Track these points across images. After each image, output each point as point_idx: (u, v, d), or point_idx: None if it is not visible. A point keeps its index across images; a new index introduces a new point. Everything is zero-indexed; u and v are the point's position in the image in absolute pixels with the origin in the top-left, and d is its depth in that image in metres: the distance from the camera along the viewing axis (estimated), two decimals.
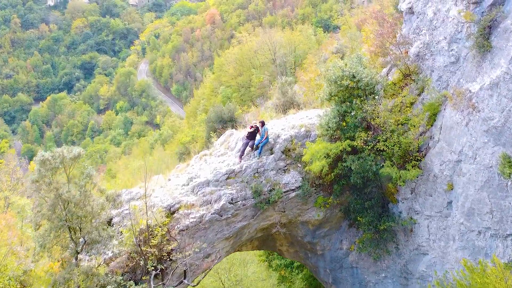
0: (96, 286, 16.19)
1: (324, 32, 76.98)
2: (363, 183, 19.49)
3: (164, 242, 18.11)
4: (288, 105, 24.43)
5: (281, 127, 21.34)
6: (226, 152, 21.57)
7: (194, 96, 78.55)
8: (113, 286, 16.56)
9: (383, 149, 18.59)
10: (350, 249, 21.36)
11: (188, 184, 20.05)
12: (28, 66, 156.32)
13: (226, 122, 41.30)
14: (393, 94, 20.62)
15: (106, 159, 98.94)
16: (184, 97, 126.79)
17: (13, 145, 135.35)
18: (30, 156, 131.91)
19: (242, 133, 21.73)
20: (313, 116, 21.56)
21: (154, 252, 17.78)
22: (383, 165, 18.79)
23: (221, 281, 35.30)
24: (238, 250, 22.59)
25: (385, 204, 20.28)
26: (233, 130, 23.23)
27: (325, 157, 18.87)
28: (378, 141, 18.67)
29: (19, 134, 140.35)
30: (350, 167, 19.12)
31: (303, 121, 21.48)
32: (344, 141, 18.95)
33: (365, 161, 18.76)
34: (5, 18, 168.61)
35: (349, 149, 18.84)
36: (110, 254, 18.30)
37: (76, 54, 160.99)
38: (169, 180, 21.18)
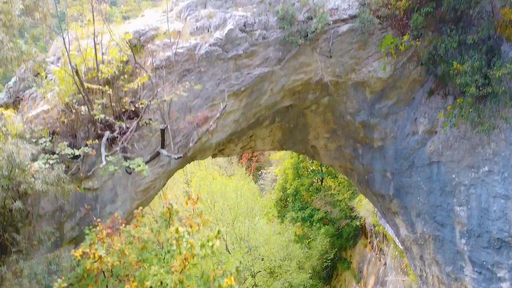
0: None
1: None
2: (467, 5, 11.65)
3: (126, 77, 10.29)
4: None
5: None
6: None
7: None
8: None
9: None
10: (432, 127, 13.41)
11: (171, 10, 12.25)
12: None
13: None
14: None
15: None
16: None
17: None
18: None
19: None
20: None
21: (107, 91, 9.96)
22: None
23: (224, 239, 27.67)
24: (251, 133, 14.60)
25: (496, 45, 12.41)
26: None
27: None
28: None
29: None
30: None
31: None
32: None
33: None
34: None
35: None
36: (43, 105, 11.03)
37: None
38: (142, 16, 13.36)
